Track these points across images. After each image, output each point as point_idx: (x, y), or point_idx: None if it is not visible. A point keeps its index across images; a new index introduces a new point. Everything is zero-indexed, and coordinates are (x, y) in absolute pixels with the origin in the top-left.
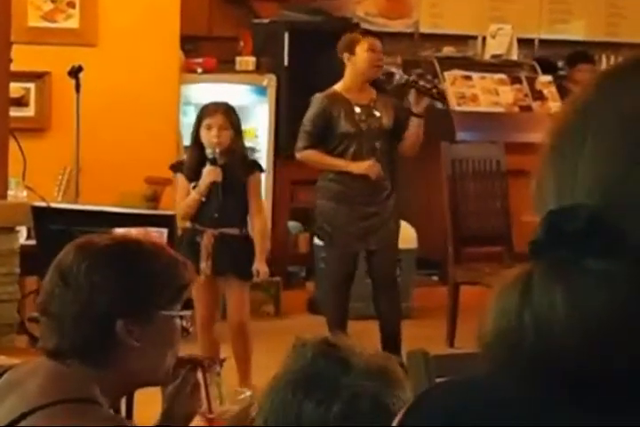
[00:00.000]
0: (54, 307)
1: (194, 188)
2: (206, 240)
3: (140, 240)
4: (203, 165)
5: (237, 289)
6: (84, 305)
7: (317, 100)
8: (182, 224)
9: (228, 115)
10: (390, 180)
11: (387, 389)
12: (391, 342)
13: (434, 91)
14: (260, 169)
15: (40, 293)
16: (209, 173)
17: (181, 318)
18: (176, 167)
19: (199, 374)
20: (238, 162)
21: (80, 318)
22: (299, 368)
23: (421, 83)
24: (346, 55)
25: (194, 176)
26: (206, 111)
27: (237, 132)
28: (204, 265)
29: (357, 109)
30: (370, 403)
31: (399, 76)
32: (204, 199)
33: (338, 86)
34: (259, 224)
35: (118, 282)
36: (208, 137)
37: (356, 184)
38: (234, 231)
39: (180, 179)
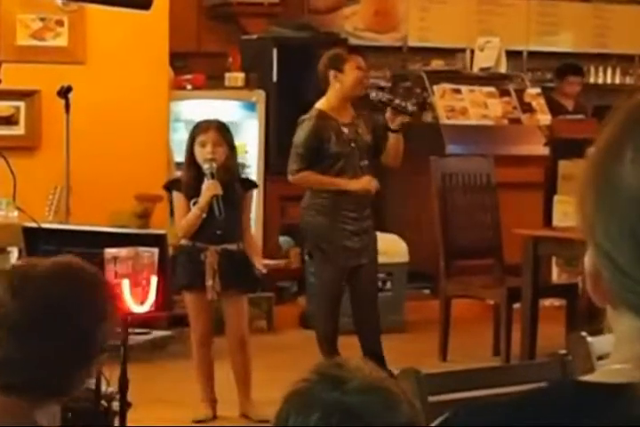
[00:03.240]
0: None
1: (194, 204)
2: (211, 258)
3: None
4: (200, 181)
5: (238, 304)
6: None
7: (308, 122)
8: (173, 242)
9: (221, 131)
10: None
11: (373, 406)
12: (373, 355)
13: (409, 109)
14: (256, 186)
15: None
16: (209, 188)
17: None
18: (171, 185)
19: None
20: (234, 178)
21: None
22: (297, 387)
23: (397, 101)
24: (332, 73)
25: (193, 193)
26: (199, 128)
27: (231, 149)
28: (212, 283)
29: (344, 129)
30: (345, 416)
31: (375, 93)
32: (204, 215)
33: (322, 105)
34: (254, 238)
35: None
36: (203, 154)
37: (346, 200)
38: (233, 247)
39: (178, 197)
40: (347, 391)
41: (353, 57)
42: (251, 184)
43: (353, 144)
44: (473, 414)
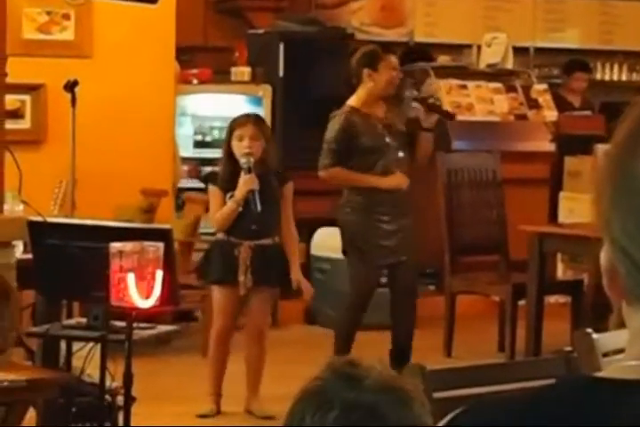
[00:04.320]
0: None
1: (230, 198)
2: (244, 253)
3: None
4: (237, 175)
5: (266, 297)
6: None
7: (339, 117)
8: (178, 237)
9: (259, 125)
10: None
11: (390, 404)
12: (402, 352)
13: (443, 109)
14: (290, 178)
15: None
16: (246, 182)
17: None
18: (208, 179)
19: None
20: (271, 172)
21: None
22: (311, 386)
23: (431, 100)
24: (367, 71)
25: (229, 187)
26: (237, 122)
27: (268, 143)
28: (244, 278)
29: (377, 124)
30: (365, 414)
31: (409, 92)
32: (240, 209)
33: (354, 102)
34: (294, 234)
35: None
36: (240, 148)
37: (382, 198)
38: (268, 242)
39: (214, 190)
40: (364, 389)
41: (388, 56)
42: (288, 177)
43: (387, 139)
44: (484, 412)
